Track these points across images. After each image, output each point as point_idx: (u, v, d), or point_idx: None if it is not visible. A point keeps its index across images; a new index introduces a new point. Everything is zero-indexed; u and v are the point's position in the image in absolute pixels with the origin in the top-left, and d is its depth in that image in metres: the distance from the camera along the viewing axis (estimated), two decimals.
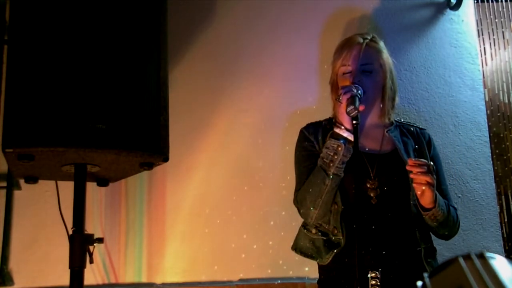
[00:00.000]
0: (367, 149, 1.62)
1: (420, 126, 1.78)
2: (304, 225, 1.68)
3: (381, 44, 1.69)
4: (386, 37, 2.22)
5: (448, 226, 1.56)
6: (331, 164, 1.51)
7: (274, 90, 2.15)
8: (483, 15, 2.38)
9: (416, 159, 1.45)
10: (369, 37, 1.66)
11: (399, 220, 1.54)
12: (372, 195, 1.55)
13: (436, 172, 1.64)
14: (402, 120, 1.86)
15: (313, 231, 1.62)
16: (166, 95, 1.50)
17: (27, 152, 1.29)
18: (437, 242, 1.67)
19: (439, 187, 1.62)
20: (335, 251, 1.55)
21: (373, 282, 1.45)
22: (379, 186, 1.55)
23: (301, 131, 1.73)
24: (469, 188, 2.12)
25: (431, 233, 1.62)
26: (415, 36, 2.24)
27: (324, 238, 1.59)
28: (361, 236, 1.49)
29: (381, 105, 1.67)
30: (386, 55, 1.68)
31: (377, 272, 1.45)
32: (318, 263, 1.65)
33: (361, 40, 1.64)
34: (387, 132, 1.65)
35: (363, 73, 1.60)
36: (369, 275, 1.44)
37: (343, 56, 1.63)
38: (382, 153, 1.61)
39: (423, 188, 1.41)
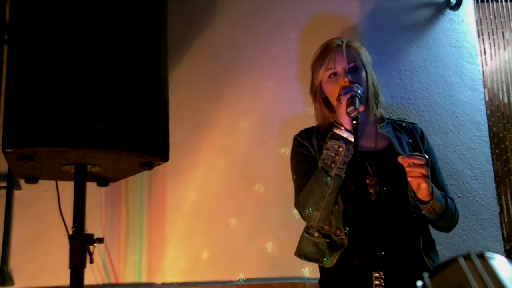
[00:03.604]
0: (362, 146, 1.62)
1: (411, 121, 1.79)
2: (306, 230, 1.67)
3: (358, 43, 1.70)
4: (386, 37, 2.22)
5: (448, 218, 1.56)
6: (333, 165, 1.52)
7: (274, 90, 2.15)
8: (483, 15, 2.38)
9: (410, 153, 1.45)
10: (346, 40, 1.68)
11: (399, 214, 1.55)
12: (371, 191, 1.55)
13: (431, 165, 1.64)
14: (393, 117, 1.87)
15: (316, 234, 1.62)
16: (166, 95, 1.50)
17: (27, 152, 1.30)
18: (437, 242, 1.67)
19: (435, 179, 1.62)
20: (339, 252, 1.55)
21: (377, 282, 1.45)
22: (378, 182, 1.55)
23: (295, 139, 1.74)
24: (469, 188, 2.12)
25: (430, 226, 1.62)
26: (415, 36, 2.24)
27: (327, 240, 1.59)
28: (362, 234, 1.49)
29: (366, 102, 1.67)
30: (365, 52, 1.68)
31: (381, 273, 1.45)
32: (319, 265, 1.64)
33: (340, 42, 1.65)
34: (379, 128, 1.66)
35: (350, 71, 1.60)
36: (373, 275, 1.45)
37: (326, 61, 1.63)
38: (377, 150, 1.62)
39: (419, 181, 1.41)
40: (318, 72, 1.66)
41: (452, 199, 1.62)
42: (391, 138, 1.62)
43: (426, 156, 1.44)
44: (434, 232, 1.63)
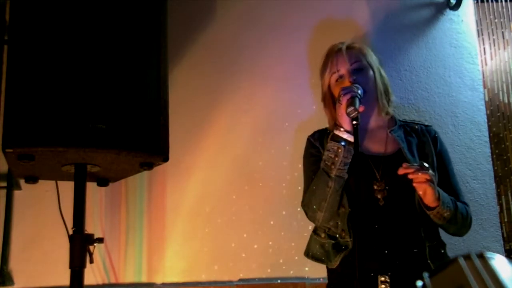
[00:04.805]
0: (371, 151, 1.62)
1: (426, 123, 1.77)
2: (314, 230, 1.68)
3: (361, 44, 1.72)
4: (386, 37, 2.22)
5: (457, 222, 1.53)
6: (333, 166, 1.52)
7: (274, 90, 2.15)
8: (483, 15, 2.38)
9: (406, 164, 1.43)
10: (347, 42, 1.69)
11: (405, 220, 1.54)
12: (379, 196, 1.54)
13: (444, 167, 1.64)
14: (407, 119, 1.85)
15: (322, 235, 1.63)
16: (166, 95, 1.50)
17: (27, 152, 1.30)
18: None
19: (448, 181, 1.62)
20: (343, 254, 1.55)
21: (383, 286, 1.44)
22: (386, 187, 1.54)
23: (308, 139, 1.75)
24: (469, 188, 2.11)
25: (444, 231, 1.60)
26: (415, 36, 2.24)
27: (333, 241, 1.59)
28: (368, 238, 1.49)
29: (377, 101, 1.67)
30: (369, 52, 1.69)
31: (387, 276, 1.45)
32: (327, 267, 1.64)
33: (340, 45, 1.67)
34: (390, 132, 1.65)
35: (354, 72, 1.61)
36: (379, 279, 1.44)
37: (329, 65, 1.66)
38: (387, 155, 1.61)
39: (424, 186, 1.40)
40: (324, 77, 1.69)
41: (465, 203, 1.61)
42: (401, 142, 1.61)
43: (423, 162, 1.43)
44: None
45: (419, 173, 1.39)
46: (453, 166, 1.70)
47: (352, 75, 1.60)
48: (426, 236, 1.54)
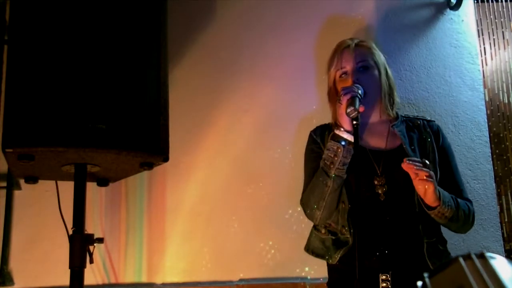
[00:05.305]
0: (372, 146, 1.62)
1: (428, 118, 1.76)
2: (315, 226, 1.68)
3: (371, 43, 1.71)
4: (386, 37, 2.22)
5: (459, 220, 1.53)
6: (332, 166, 1.52)
7: (274, 89, 2.15)
8: (483, 15, 2.38)
9: (409, 158, 1.43)
10: (357, 40, 1.69)
11: (405, 216, 1.54)
12: (380, 192, 1.54)
13: (447, 163, 1.63)
14: (409, 114, 1.85)
15: (323, 231, 1.63)
16: (166, 95, 1.50)
17: (27, 152, 1.30)
18: None
19: (451, 177, 1.61)
20: (343, 250, 1.55)
21: (384, 284, 1.44)
22: (387, 182, 1.54)
23: (310, 134, 1.75)
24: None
25: (446, 228, 1.60)
26: (415, 36, 2.24)
27: (333, 237, 1.59)
28: (368, 234, 1.49)
29: (379, 101, 1.67)
30: (377, 52, 1.69)
31: (388, 275, 1.45)
32: (327, 263, 1.64)
33: (350, 42, 1.67)
34: (392, 127, 1.64)
35: (359, 71, 1.61)
36: (380, 278, 1.44)
37: (336, 61, 1.66)
38: (387, 150, 1.60)
39: (425, 183, 1.39)
40: (330, 73, 1.69)
41: (468, 199, 1.61)
42: (402, 137, 1.60)
43: (425, 160, 1.42)
44: None
45: (422, 170, 1.38)
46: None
47: (356, 75, 1.59)
48: (424, 232, 1.53)
